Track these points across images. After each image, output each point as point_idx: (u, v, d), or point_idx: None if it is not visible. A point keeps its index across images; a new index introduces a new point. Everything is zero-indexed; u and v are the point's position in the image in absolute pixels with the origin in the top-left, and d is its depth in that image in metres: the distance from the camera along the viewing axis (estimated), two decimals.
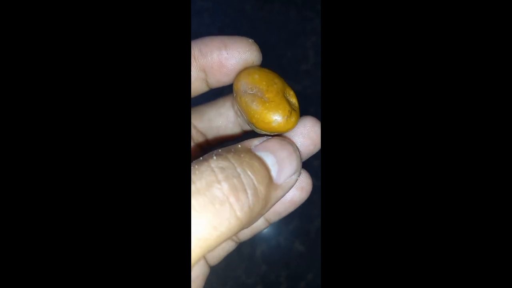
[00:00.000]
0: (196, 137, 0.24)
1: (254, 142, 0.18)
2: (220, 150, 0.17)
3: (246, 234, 0.23)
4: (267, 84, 0.19)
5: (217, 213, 0.15)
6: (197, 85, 0.21)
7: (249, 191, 0.16)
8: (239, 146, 0.17)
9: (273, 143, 0.18)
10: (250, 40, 0.20)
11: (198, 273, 0.22)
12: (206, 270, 0.23)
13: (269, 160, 0.17)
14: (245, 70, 0.20)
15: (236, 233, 0.16)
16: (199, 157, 0.16)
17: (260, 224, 0.23)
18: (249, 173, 0.16)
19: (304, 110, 0.20)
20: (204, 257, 0.23)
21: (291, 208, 0.22)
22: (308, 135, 0.20)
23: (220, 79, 0.20)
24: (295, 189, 0.21)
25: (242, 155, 0.16)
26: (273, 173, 0.17)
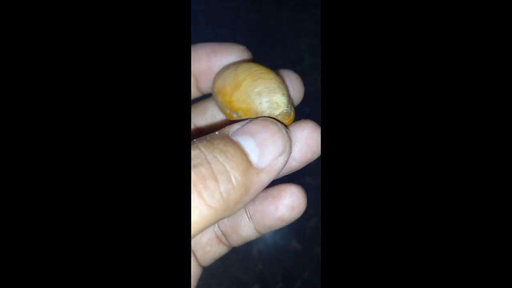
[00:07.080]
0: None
1: (234, 127, 0.17)
2: (194, 140, 0.16)
3: (236, 241, 0.22)
4: (236, 109, 0.19)
5: None
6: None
7: (220, 177, 0.15)
8: (216, 133, 0.16)
9: (253, 125, 0.17)
10: (242, 47, 0.20)
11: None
12: (197, 270, 0.22)
13: (248, 144, 0.16)
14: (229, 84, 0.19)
15: (215, 222, 0.15)
16: None
17: (250, 234, 0.22)
18: (220, 160, 0.15)
19: (299, 111, 0.20)
20: (195, 257, 0.22)
21: (280, 225, 0.20)
22: (305, 141, 0.19)
23: (210, 84, 0.20)
24: (286, 207, 0.20)
25: (215, 143, 0.16)
26: (254, 157, 0.16)
